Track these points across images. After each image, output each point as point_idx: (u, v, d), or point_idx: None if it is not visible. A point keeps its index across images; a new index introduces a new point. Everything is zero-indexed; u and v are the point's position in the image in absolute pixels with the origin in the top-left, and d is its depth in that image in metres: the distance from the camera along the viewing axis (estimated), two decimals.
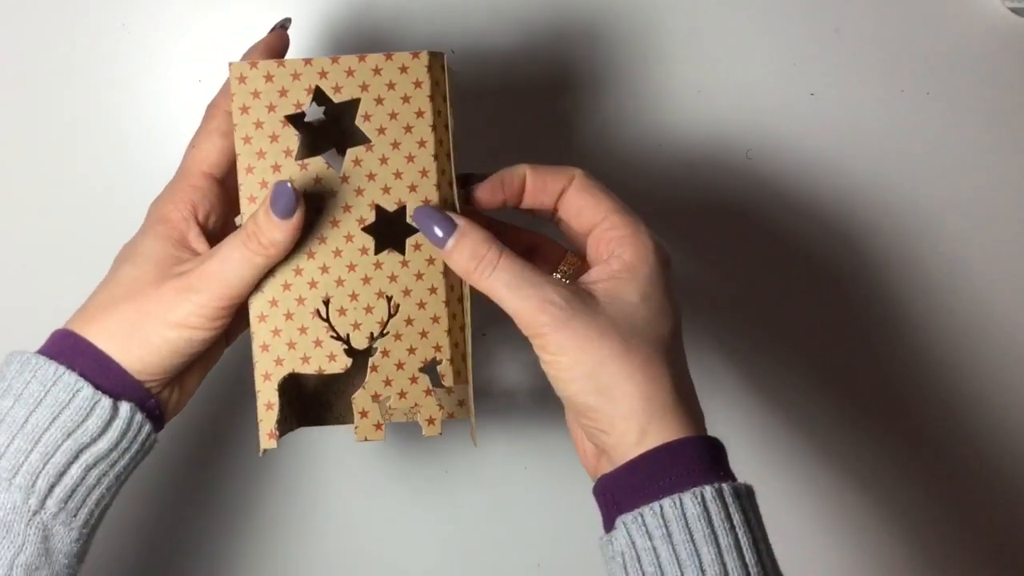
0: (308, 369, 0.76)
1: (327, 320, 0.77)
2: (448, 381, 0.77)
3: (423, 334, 0.77)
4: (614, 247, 0.75)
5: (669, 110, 0.95)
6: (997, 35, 0.95)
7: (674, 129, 0.95)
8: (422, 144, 0.76)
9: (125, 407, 0.73)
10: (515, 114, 0.94)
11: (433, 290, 0.77)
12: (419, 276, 0.77)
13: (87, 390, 0.72)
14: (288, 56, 0.78)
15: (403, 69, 0.76)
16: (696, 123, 0.95)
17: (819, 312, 0.99)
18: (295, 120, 0.76)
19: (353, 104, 0.76)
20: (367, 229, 0.76)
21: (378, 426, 0.77)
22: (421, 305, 0.77)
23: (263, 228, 0.73)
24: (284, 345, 0.76)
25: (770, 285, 0.98)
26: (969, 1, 0.95)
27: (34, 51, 0.91)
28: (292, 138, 0.76)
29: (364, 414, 0.77)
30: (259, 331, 0.76)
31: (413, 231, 0.76)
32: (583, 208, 0.77)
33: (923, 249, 0.98)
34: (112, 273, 0.77)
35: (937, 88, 0.96)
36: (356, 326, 0.77)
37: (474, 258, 0.73)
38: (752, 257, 0.98)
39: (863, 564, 1.03)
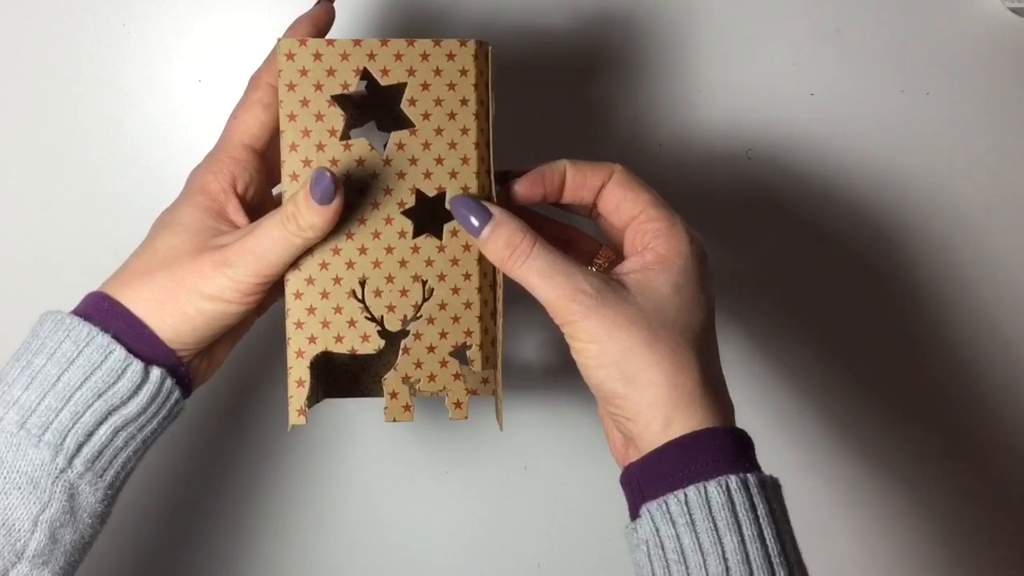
0: (341, 348, 0.76)
1: (362, 301, 0.77)
2: (477, 367, 0.78)
3: (455, 319, 0.78)
4: (649, 239, 0.76)
5: (669, 110, 0.95)
6: (997, 35, 0.95)
7: (674, 129, 0.95)
8: (465, 132, 0.77)
9: (156, 372, 0.74)
10: (519, 111, 0.94)
11: (468, 276, 0.78)
12: (455, 262, 0.77)
13: (120, 352, 0.73)
14: (329, 35, 0.78)
15: (450, 56, 0.76)
16: (696, 123, 0.95)
17: (818, 312, 0.99)
18: (341, 100, 0.76)
19: (399, 87, 0.76)
20: (407, 213, 0.76)
21: (407, 407, 0.77)
22: (455, 291, 0.77)
23: (302, 211, 0.73)
24: (318, 323, 0.76)
25: (770, 285, 0.98)
26: (969, 1, 0.95)
27: (34, 51, 0.91)
28: (338, 118, 0.76)
29: (394, 395, 0.77)
30: (294, 308, 0.76)
31: (451, 217, 0.76)
32: (622, 202, 0.77)
33: (923, 247, 0.98)
34: (149, 240, 0.76)
35: (937, 88, 0.96)
36: (391, 308, 0.77)
37: (508, 247, 0.74)
38: (752, 257, 0.98)
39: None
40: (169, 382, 0.75)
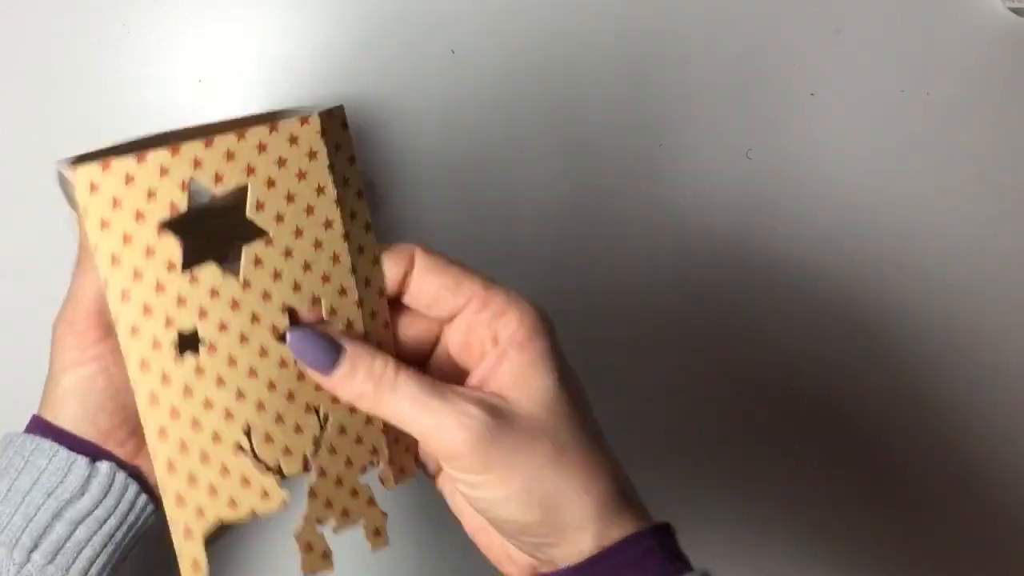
0: (238, 514, 0.63)
1: (253, 453, 0.64)
2: (389, 484, 0.68)
3: (358, 439, 0.67)
4: (496, 328, 0.64)
5: (669, 110, 0.95)
6: (997, 35, 0.96)
7: (674, 129, 0.95)
8: (328, 225, 0.64)
9: (104, 465, 0.70)
10: (507, 115, 0.94)
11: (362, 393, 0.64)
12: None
13: (63, 452, 0.70)
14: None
15: (293, 140, 0.62)
16: (696, 123, 0.95)
17: (819, 312, 0.99)
18: (173, 226, 0.61)
19: (241, 193, 0.62)
20: (282, 338, 0.64)
21: (325, 555, 0.66)
22: (352, 410, 0.66)
23: None
24: (204, 493, 0.63)
25: (769, 286, 0.98)
26: (969, 1, 0.95)
27: (34, 51, 0.91)
28: (174, 248, 0.60)
29: (310, 547, 0.66)
30: (169, 483, 0.63)
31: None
32: (439, 293, 0.65)
33: (922, 248, 0.98)
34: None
35: (937, 88, 0.96)
36: (287, 451, 0.65)
37: (370, 379, 0.63)
38: (751, 257, 0.98)
39: None
40: (121, 475, 0.70)
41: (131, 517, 0.71)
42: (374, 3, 0.91)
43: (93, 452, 0.71)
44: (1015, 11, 0.95)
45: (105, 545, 0.70)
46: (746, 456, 0.99)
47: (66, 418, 0.71)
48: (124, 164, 0.59)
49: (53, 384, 0.72)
